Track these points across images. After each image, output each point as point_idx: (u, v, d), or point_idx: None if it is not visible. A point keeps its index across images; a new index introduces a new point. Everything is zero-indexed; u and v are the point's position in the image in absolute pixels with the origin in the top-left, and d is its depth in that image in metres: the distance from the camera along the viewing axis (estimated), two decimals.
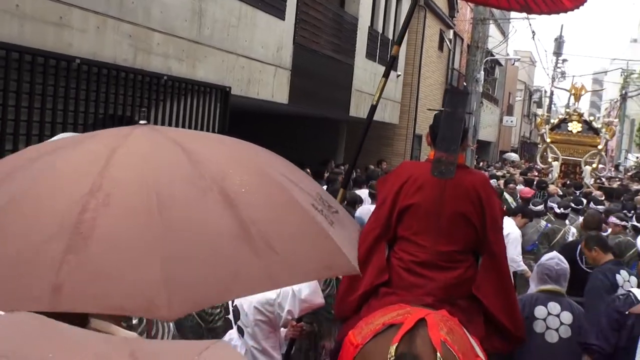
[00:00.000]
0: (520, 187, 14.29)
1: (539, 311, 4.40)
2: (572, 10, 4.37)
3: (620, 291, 4.71)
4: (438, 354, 2.90)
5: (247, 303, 3.61)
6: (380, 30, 16.72)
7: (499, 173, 19.74)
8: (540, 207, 9.74)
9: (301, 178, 2.19)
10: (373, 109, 4.36)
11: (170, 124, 8.33)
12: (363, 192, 9.73)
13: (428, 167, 3.50)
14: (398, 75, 18.05)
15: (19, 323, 1.08)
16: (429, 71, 20.69)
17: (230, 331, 3.94)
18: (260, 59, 10.49)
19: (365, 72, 15.69)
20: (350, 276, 3.45)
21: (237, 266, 1.70)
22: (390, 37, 17.60)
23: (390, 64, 4.42)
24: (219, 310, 4.06)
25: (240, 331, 3.82)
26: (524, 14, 15.10)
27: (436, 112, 3.84)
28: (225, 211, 1.78)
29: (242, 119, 14.27)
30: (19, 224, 1.68)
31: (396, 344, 2.94)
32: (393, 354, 2.92)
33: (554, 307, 4.37)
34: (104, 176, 1.74)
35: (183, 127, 8.62)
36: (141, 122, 2.17)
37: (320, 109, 13.81)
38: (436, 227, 3.45)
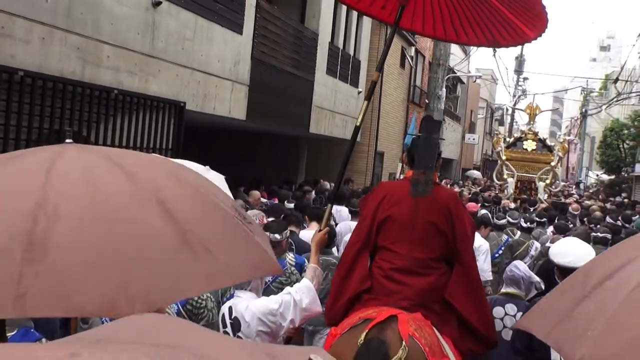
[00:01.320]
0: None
1: (497, 311, 4.74)
2: (536, 39, 4.69)
3: None
4: (404, 343, 3.20)
5: (248, 314, 3.65)
6: (340, 46, 16.64)
7: (457, 190, 19.70)
8: (504, 222, 10.04)
9: (218, 192, 2.31)
10: (357, 130, 4.57)
11: (121, 140, 8.08)
12: (343, 209, 9.58)
13: (403, 184, 3.97)
14: (359, 92, 17.97)
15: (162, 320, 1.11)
16: (391, 88, 20.69)
17: None
18: (216, 74, 10.29)
19: (326, 89, 15.58)
20: (337, 285, 3.90)
21: (180, 270, 1.82)
22: (352, 53, 17.55)
23: (372, 89, 4.59)
24: (203, 311, 4.06)
25: None
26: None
27: (414, 137, 4.26)
28: (165, 220, 1.89)
29: (198, 135, 14.05)
30: None
31: (366, 331, 3.30)
32: (363, 338, 3.26)
33: (511, 308, 4.74)
34: (47, 190, 1.82)
35: (135, 143, 8.39)
36: (67, 140, 2.21)
37: (279, 126, 13.63)
38: (411, 236, 3.81)
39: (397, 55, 21.32)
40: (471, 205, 12.23)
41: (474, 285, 3.89)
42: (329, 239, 5.02)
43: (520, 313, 4.61)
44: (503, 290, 5.06)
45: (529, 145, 20.52)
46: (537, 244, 9.05)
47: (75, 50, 7.07)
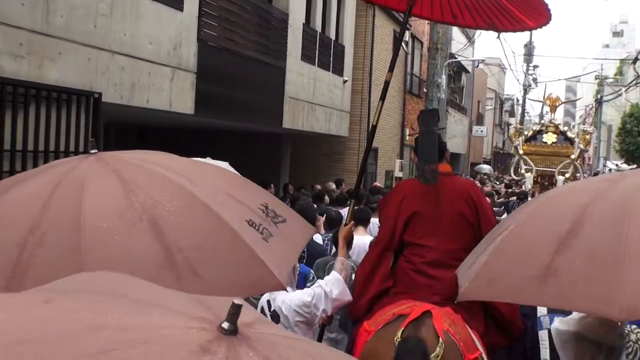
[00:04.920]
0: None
1: None
2: (536, 29, 4.74)
3: None
4: (440, 340, 3.26)
5: (285, 307, 3.86)
6: (318, 29, 14.72)
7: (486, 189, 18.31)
8: None
9: (245, 191, 2.41)
10: (373, 129, 4.58)
11: (14, 143, 6.32)
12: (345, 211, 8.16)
13: None
14: (345, 81, 16.09)
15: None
16: (382, 77, 18.64)
17: None
18: (148, 58, 8.46)
19: (302, 77, 13.66)
20: (362, 282, 3.96)
21: None
22: (333, 37, 15.63)
23: (385, 90, 4.56)
24: None
25: None
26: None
27: (416, 136, 4.18)
28: (153, 240, 1.97)
29: (145, 134, 12.28)
30: None
31: (402, 329, 3.35)
32: (400, 336, 3.32)
33: None
34: (43, 214, 1.97)
35: (26, 146, 6.58)
36: (92, 151, 2.28)
37: (241, 121, 11.68)
38: (439, 229, 3.85)
39: (389, 41, 19.41)
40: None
41: None
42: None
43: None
44: None
45: (549, 138, 20.00)
46: None
47: None
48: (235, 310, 1.07)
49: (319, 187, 13.99)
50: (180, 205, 2.06)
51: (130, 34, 8.07)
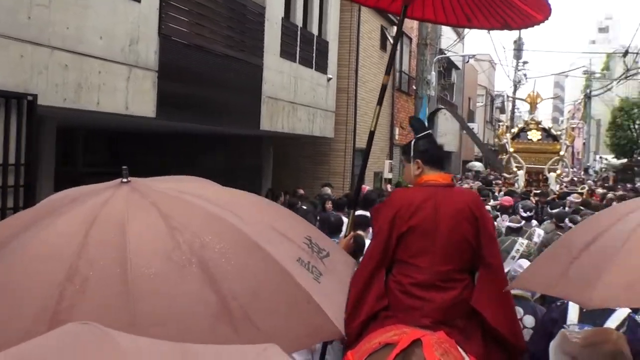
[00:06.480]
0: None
1: None
2: (543, 22, 4.62)
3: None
4: None
5: None
6: (299, 24, 13.60)
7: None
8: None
9: (287, 223, 2.30)
10: (371, 135, 4.37)
11: None
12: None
13: (419, 192, 3.74)
14: (329, 79, 15.00)
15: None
16: (369, 74, 17.67)
17: None
18: (99, 55, 7.36)
19: (282, 75, 12.54)
20: (353, 302, 3.49)
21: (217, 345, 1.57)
22: (315, 32, 14.53)
23: (382, 94, 4.34)
24: None
25: None
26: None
27: (419, 136, 3.97)
28: (205, 286, 1.81)
29: (111, 139, 11.18)
30: None
31: None
32: None
33: (517, 311, 4.31)
34: (80, 257, 1.79)
35: None
36: (123, 180, 2.12)
37: (212, 123, 10.53)
38: (433, 247, 3.59)
39: (376, 37, 18.34)
40: (505, 200, 12.28)
41: (502, 288, 3.52)
42: (357, 248, 4.56)
43: (528, 316, 4.53)
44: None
45: (534, 135, 20.39)
46: (539, 231, 9.10)
47: None
48: None
49: (301, 191, 13.03)
50: (229, 245, 1.91)
51: (75, 27, 6.97)
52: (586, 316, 3.95)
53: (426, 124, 4.89)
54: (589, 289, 2.26)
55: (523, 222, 9.48)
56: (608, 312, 3.93)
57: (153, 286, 1.77)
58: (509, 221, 9.28)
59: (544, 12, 4.51)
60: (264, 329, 1.81)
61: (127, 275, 1.75)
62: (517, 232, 8.49)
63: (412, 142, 3.91)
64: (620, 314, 3.87)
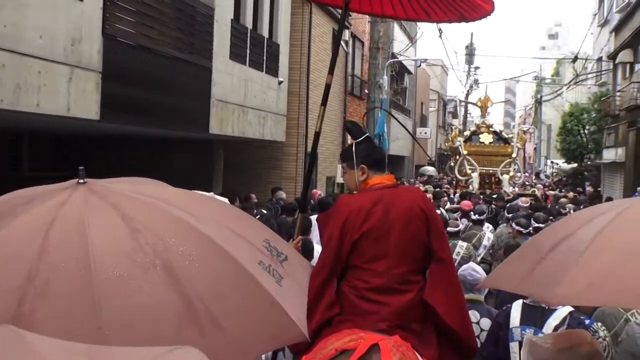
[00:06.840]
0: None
1: None
2: (492, 12, 4.65)
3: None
4: None
5: None
6: (249, 25, 13.48)
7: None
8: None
9: (245, 226, 2.27)
10: (317, 136, 4.34)
11: None
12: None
13: (367, 196, 3.68)
14: (280, 82, 14.89)
15: None
16: (321, 77, 17.58)
17: None
18: (38, 55, 7.13)
19: (232, 77, 12.39)
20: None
21: None
22: (266, 34, 14.41)
23: (326, 94, 4.36)
24: None
25: None
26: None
27: (359, 140, 3.94)
28: (170, 289, 1.78)
29: (56, 143, 10.88)
30: None
31: None
32: None
33: (473, 315, 4.52)
34: (41, 258, 1.74)
35: None
36: (80, 181, 2.08)
37: (162, 126, 10.33)
38: (387, 251, 3.57)
39: (327, 39, 18.30)
40: (464, 204, 12.35)
41: (453, 285, 3.63)
42: (305, 253, 4.50)
43: (484, 319, 4.64)
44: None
45: (486, 138, 20.72)
46: (489, 234, 9.33)
47: None
48: None
49: (253, 196, 12.88)
50: (192, 247, 1.88)
51: (12, 25, 6.73)
52: (528, 318, 4.06)
53: (385, 129, 5.13)
54: (553, 287, 2.37)
55: (461, 226, 9.47)
56: (548, 312, 4.03)
57: (118, 289, 1.74)
58: (450, 226, 9.14)
59: (491, 4, 4.56)
60: (230, 330, 1.81)
61: (91, 278, 1.72)
62: (456, 236, 8.51)
63: (353, 148, 3.87)
64: (561, 313, 3.99)
